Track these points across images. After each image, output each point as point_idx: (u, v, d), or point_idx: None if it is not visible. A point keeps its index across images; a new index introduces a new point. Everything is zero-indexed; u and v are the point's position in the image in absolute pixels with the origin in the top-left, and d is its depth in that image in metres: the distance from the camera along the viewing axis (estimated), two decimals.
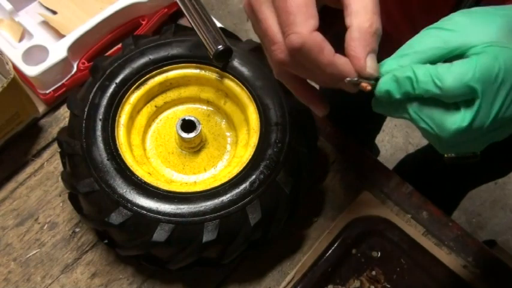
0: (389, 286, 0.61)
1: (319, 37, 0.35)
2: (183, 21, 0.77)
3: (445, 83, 0.33)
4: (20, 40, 0.72)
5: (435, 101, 0.35)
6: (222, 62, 0.57)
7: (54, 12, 0.75)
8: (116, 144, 0.56)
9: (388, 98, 0.36)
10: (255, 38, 0.51)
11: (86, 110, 0.57)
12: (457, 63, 0.34)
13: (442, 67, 0.34)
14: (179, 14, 0.78)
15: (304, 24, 0.34)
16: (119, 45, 0.71)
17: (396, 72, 0.35)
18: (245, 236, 0.54)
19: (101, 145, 0.55)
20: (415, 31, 0.58)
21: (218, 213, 0.52)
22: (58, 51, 0.68)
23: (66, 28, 0.72)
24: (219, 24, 0.64)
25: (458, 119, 0.34)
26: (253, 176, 0.54)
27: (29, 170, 0.66)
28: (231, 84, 0.61)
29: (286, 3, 0.34)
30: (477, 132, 0.34)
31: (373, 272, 0.61)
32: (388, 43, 0.64)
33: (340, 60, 0.35)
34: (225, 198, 0.53)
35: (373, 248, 0.62)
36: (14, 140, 0.67)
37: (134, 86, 0.59)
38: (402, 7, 0.56)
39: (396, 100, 0.36)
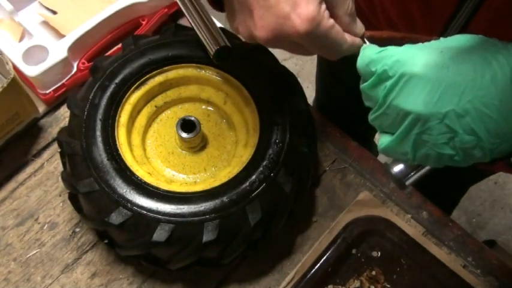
0: (389, 286, 0.61)
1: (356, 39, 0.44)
2: (183, 21, 0.77)
3: (358, 62, 0.40)
4: (20, 40, 0.72)
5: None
6: (222, 62, 0.57)
7: (54, 12, 0.75)
8: (115, 144, 0.56)
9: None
10: None
11: (86, 110, 0.57)
12: (374, 49, 0.40)
13: (367, 49, 0.40)
14: (179, 14, 0.78)
15: (348, 41, 0.42)
16: (119, 45, 0.71)
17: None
18: (245, 236, 0.54)
19: (100, 145, 0.55)
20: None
21: (218, 213, 0.52)
22: (58, 51, 0.68)
23: (66, 28, 0.72)
24: (219, 24, 0.64)
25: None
26: (253, 176, 0.54)
27: (29, 170, 0.66)
28: (231, 84, 0.61)
29: (330, 45, 0.40)
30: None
31: (373, 272, 0.61)
32: None
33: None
34: (225, 198, 0.53)
35: (373, 248, 0.62)
36: (14, 140, 0.67)
37: (134, 86, 0.59)
38: (404, 18, 0.57)
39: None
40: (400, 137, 0.38)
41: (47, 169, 0.67)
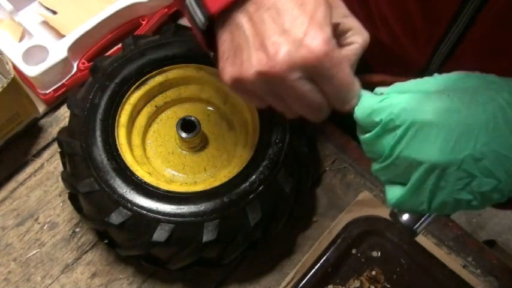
0: (389, 286, 0.61)
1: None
2: (183, 21, 0.77)
3: (357, 112, 0.38)
4: (20, 40, 0.72)
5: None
6: None
7: (54, 12, 0.75)
8: (115, 144, 0.56)
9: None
10: None
11: (86, 110, 0.57)
12: (374, 98, 0.38)
13: (366, 97, 0.38)
14: (179, 14, 0.78)
15: (356, 94, 0.38)
16: (119, 45, 0.71)
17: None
18: (245, 236, 0.54)
19: (100, 145, 0.55)
20: (417, 45, 0.57)
21: (218, 213, 0.52)
22: (58, 51, 0.68)
23: (66, 28, 0.72)
24: None
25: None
26: (253, 176, 0.54)
27: (29, 170, 0.66)
28: None
29: (344, 77, 0.36)
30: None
31: (373, 272, 0.61)
32: (390, 56, 0.63)
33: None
34: (225, 198, 0.53)
35: (373, 248, 0.62)
36: (14, 140, 0.67)
37: (134, 86, 0.59)
38: (403, 22, 0.57)
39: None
40: (414, 188, 0.36)
41: (47, 169, 0.67)
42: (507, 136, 0.33)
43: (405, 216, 0.40)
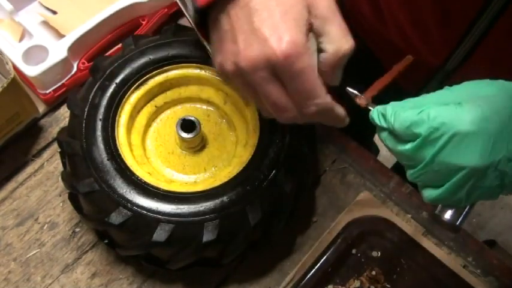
0: (389, 286, 0.61)
1: (330, 98, 0.40)
2: (183, 21, 0.77)
3: (395, 124, 0.40)
4: (20, 40, 0.72)
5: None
6: None
7: (54, 12, 0.75)
8: (116, 144, 0.56)
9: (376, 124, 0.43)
10: None
11: (86, 110, 0.57)
12: (411, 111, 0.40)
13: (401, 110, 0.40)
14: (179, 14, 0.78)
15: (323, 94, 0.39)
16: (119, 45, 0.71)
17: (381, 107, 0.42)
18: (245, 236, 0.54)
19: (101, 145, 0.55)
20: (428, 45, 0.57)
21: (218, 213, 0.52)
22: (58, 51, 0.68)
23: (66, 28, 0.72)
24: None
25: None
26: (253, 176, 0.54)
27: (29, 170, 0.66)
28: (231, 84, 0.61)
29: (304, 83, 0.37)
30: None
31: (373, 272, 0.61)
32: (400, 54, 0.63)
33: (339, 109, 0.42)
34: (225, 198, 0.53)
35: (373, 248, 0.62)
36: (14, 140, 0.67)
37: (134, 86, 0.59)
38: (414, 22, 0.56)
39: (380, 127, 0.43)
40: (452, 189, 0.40)
41: (47, 169, 0.67)
42: None
43: (447, 215, 0.44)
